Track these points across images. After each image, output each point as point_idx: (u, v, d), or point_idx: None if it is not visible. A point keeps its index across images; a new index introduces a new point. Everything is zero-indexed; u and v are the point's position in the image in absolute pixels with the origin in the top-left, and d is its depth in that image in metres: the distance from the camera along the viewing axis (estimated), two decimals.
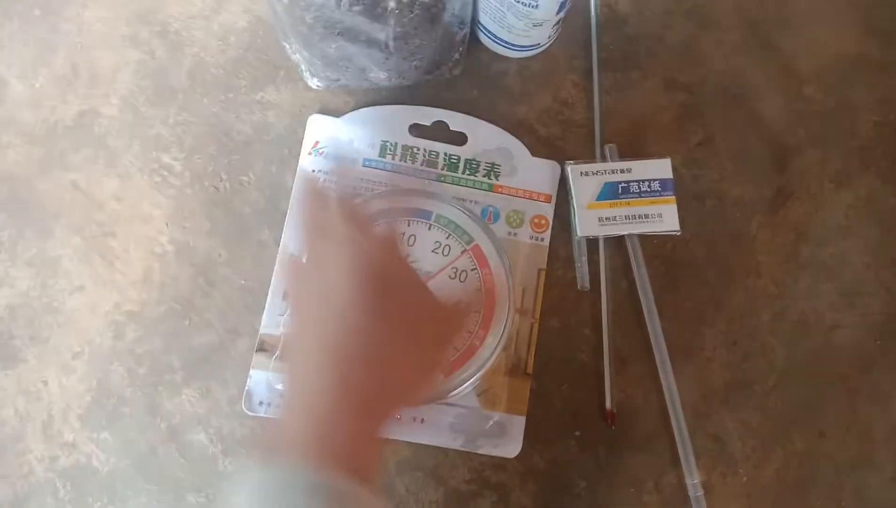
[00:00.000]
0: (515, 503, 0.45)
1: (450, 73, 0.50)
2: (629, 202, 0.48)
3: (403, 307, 0.36)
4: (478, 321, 0.45)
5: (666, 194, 0.48)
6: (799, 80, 0.53)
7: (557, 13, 0.46)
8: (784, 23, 0.54)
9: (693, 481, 0.45)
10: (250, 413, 0.44)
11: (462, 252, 0.46)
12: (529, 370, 0.46)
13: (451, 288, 0.45)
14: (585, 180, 0.48)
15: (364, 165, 0.48)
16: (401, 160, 0.49)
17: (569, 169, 0.48)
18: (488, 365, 0.45)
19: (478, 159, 0.49)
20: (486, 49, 0.51)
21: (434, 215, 0.47)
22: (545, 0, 0.44)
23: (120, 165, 0.48)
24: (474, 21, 0.49)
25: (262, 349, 0.45)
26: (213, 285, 0.46)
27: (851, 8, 0.54)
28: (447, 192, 0.48)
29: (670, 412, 0.46)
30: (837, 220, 0.51)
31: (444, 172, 0.49)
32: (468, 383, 0.44)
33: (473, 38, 0.51)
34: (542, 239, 0.48)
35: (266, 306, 0.45)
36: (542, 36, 0.49)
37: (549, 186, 0.49)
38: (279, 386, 0.44)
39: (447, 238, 0.46)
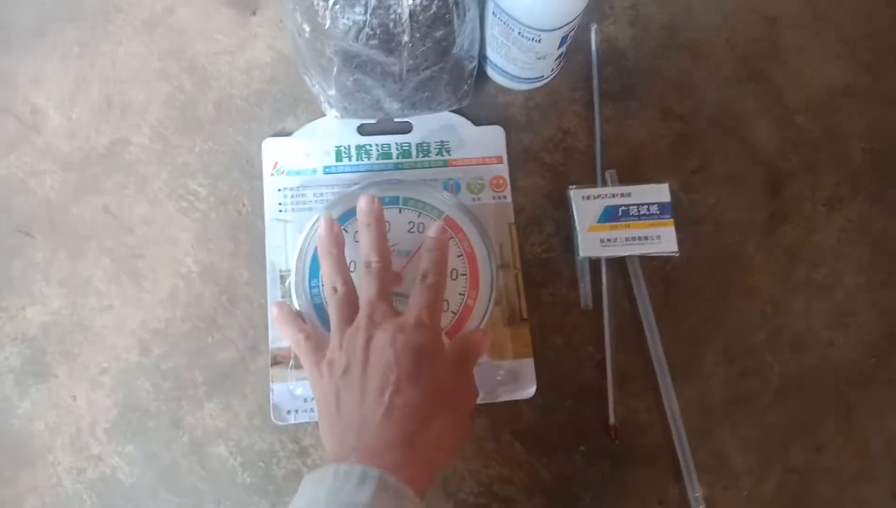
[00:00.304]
0: None
1: (459, 104, 0.53)
2: (629, 225, 0.51)
3: (445, 385, 0.41)
4: (466, 284, 0.48)
5: (664, 216, 0.51)
6: (789, 109, 0.56)
7: (559, 47, 0.49)
8: (774, 56, 0.57)
9: (695, 494, 0.47)
10: (280, 423, 0.46)
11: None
12: (525, 316, 0.49)
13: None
14: (587, 204, 0.51)
15: (325, 173, 0.51)
16: (357, 160, 0.52)
17: (571, 193, 0.51)
18: (486, 320, 0.48)
19: (427, 141, 0.53)
20: (494, 82, 0.54)
21: (401, 198, 0.50)
22: (547, 34, 0.47)
23: (149, 190, 0.50)
24: (482, 55, 0.52)
25: (276, 362, 0.47)
26: (235, 303, 0.49)
27: (838, 42, 0.58)
28: (408, 176, 0.51)
29: (672, 427, 0.48)
30: (830, 242, 0.53)
31: (400, 160, 0.52)
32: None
33: (481, 72, 0.54)
34: (504, 197, 0.52)
35: (270, 322, 0.48)
36: (545, 69, 0.52)
37: (497, 149, 0.53)
38: (298, 391, 0.47)
39: (418, 217, 0.50)
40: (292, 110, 0.53)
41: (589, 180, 0.53)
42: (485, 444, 0.48)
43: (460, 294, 0.48)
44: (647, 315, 0.50)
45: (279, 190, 0.51)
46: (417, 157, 0.52)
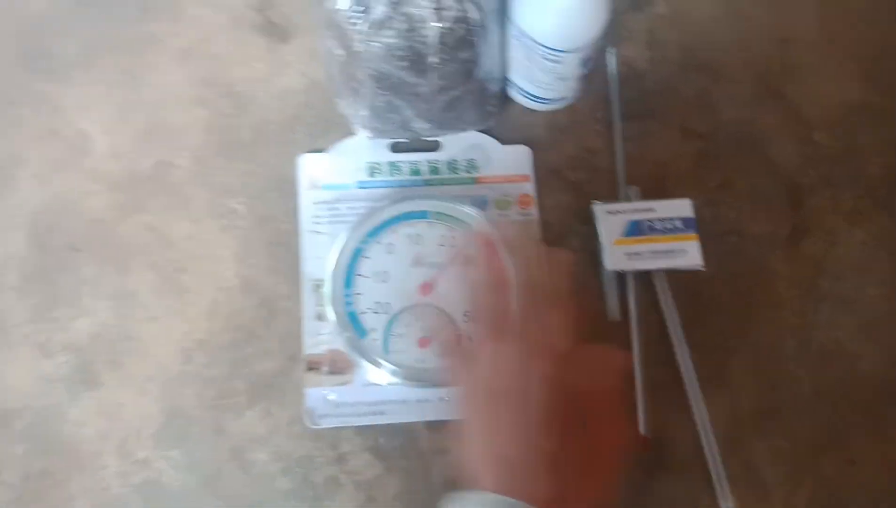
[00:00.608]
0: None
1: (485, 123, 0.55)
2: (654, 239, 0.52)
3: (608, 430, 0.40)
4: None
5: (688, 231, 0.52)
6: (808, 126, 0.57)
7: (580, 68, 0.51)
8: (790, 75, 0.59)
9: (727, 505, 0.47)
10: (314, 427, 0.48)
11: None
12: None
13: None
14: (611, 219, 0.52)
15: (359, 187, 0.53)
16: (390, 176, 0.54)
17: (595, 208, 0.53)
18: None
19: (456, 159, 0.55)
20: (518, 104, 0.57)
21: (430, 213, 0.52)
22: (567, 55, 0.49)
23: (191, 209, 0.53)
24: (506, 78, 0.55)
25: (310, 368, 0.49)
26: (274, 316, 0.50)
27: (853, 60, 0.59)
28: (438, 192, 0.53)
29: (703, 438, 0.49)
30: (853, 255, 0.54)
31: (430, 176, 0.54)
32: None
33: (506, 96, 0.56)
34: (530, 214, 0.54)
35: (304, 329, 0.50)
36: (567, 90, 0.54)
37: (524, 168, 0.55)
38: (331, 397, 0.48)
39: (449, 231, 0.51)
40: (325, 133, 0.55)
41: (611, 197, 0.54)
42: None
43: None
44: (674, 327, 0.51)
45: (315, 203, 0.53)
46: (447, 174, 0.54)
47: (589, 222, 0.53)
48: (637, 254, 0.52)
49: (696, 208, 0.53)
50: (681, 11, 0.60)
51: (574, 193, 0.55)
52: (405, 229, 0.51)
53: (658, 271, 0.52)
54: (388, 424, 0.48)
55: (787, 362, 0.51)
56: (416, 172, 0.54)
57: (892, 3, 0.62)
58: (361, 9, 0.44)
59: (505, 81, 0.55)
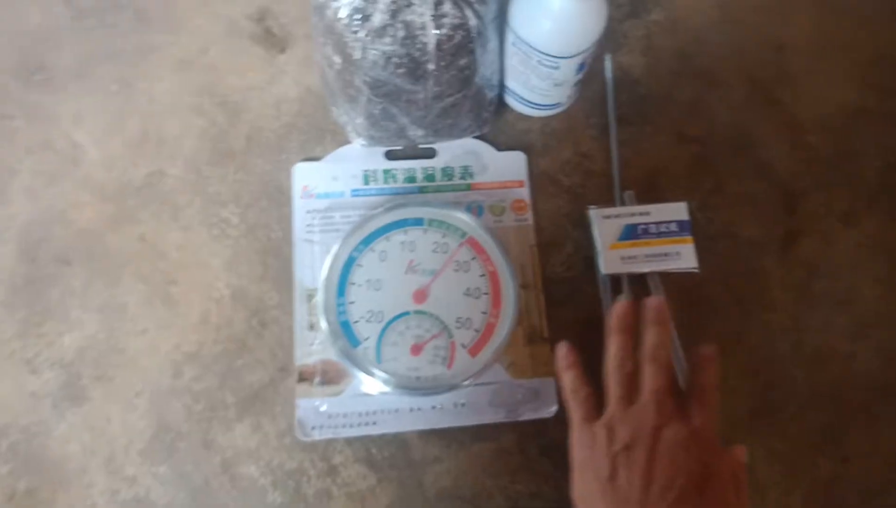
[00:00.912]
0: None
1: (479, 130, 0.55)
2: (649, 242, 0.52)
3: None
4: (489, 302, 0.50)
5: (683, 234, 0.52)
6: (802, 130, 0.57)
7: (577, 73, 0.51)
8: (784, 79, 0.58)
9: None
10: (305, 439, 0.47)
11: (459, 246, 0.51)
12: (545, 335, 0.50)
13: None
14: (607, 223, 0.52)
15: (353, 196, 0.53)
16: (384, 183, 0.54)
17: (591, 213, 0.52)
18: (506, 337, 0.49)
19: (451, 166, 0.54)
20: (513, 110, 0.56)
21: (425, 220, 0.51)
22: (565, 61, 0.49)
23: (183, 219, 0.52)
24: (502, 85, 0.55)
25: (302, 379, 0.48)
26: (266, 326, 0.50)
27: (846, 65, 0.59)
28: (432, 199, 0.53)
29: None
30: (847, 256, 0.54)
31: (425, 183, 0.54)
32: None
33: (501, 102, 0.56)
34: (526, 219, 0.53)
35: (296, 339, 0.49)
36: (562, 95, 0.54)
37: (518, 174, 0.55)
38: (323, 408, 0.48)
39: (443, 237, 0.51)
40: (319, 141, 0.55)
41: (607, 202, 0.54)
42: (511, 459, 0.48)
43: (483, 313, 0.49)
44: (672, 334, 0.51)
45: (308, 212, 0.52)
46: (442, 181, 0.54)
47: (584, 226, 0.53)
48: (632, 258, 0.51)
49: (691, 212, 0.53)
50: (677, 18, 0.60)
51: (569, 197, 0.54)
52: (399, 237, 0.51)
53: (653, 274, 0.52)
54: (381, 434, 0.48)
55: (782, 363, 0.51)
56: (411, 179, 0.54)
57: (887, 7, 0.62)
58: (360, 17, 0.44)
59: (501, 87, 0.55)
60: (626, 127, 0.56)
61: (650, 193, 0.54)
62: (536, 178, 0.55)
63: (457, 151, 0.55)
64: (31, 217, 0.52)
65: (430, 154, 0.55)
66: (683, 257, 0.52)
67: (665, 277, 0.52)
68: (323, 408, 0.48)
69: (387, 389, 0.48)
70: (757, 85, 0.58)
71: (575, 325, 0.51)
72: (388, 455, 0.48)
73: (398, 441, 0.48)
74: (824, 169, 0.56)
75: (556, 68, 0.49)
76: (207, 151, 0.54)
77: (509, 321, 0.49)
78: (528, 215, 0.54)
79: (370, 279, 0.50)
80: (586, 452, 0.43)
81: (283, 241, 0.52)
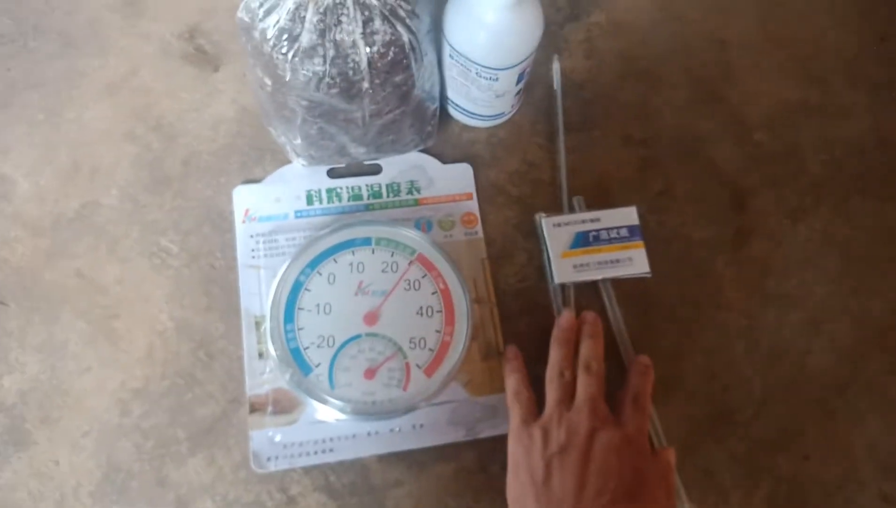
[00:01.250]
0: None
1: (424, 144, 0.54)
2: (600, 249, 0.51)
3: None
4: (442, 320, 0.49)
5: (634, 239, 0.52)
6: (748, 127, 0.57)
7: (517, 84, 0.51)
8: (728, 77, 0.58)
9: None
10: (261, 471, 0.46)
11: (409, 264, 0.50)
12: (501, 349, 0.50)
13: None
14: (558, 231, 0.51)
15: (297, 217, 0.52)
16: (328, 203, 0.53)
17: (542, 221, 0.52)
18: (462, 355, 0.48)
19: (396, 182, 0.53)
20: (457, 122, 0.56)
21: (373, 239, 0.50)
22: (504, 73, 0.48)
23: (121, 250, 0.51)
24: (443, 96, 0.54)
25: (254, 409, 0.47)
26: (213, 357, 0.49)
27: (789, 59, 0.60)
28: (379, 217, 0.52)
29: (655, 444, 0.48)
30: (798, 253, 0.54)
31: (371, 201, 0.53)
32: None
33: (444, 112, 0.55)
34: (476, 233, 0.53)
35: (245, 368, 0.48)
36: (505, 105, 0.53)
37: (466, 186, 0.54)
38: (277, 438, 0.46)
39: (392, 256, 0.50)
40: (259, 161, 0.54)
41: (556, 209, 0.53)
42: (473, 478, 0.47)
43: (437, 331, 0.48)
44: (621, 336, 0.51)
45: (251, 236, 0.51)
46: (388, 197, 0.53)
47: (534, 236, 0.53)
48: (585, 265, 0.51)
49: (641, 216, 0.53)
50: (618, 19, 0.60)
51: (518, 207, 0.54)
52: (347, 258, 0.50)
53: (604, 280, 0.51)
54: (339, 461, 0.47)
55: (738, 363, 0.51)
56: (356, 197, 0.53)
57: (826, 2, 0.62)
58: (288, 37, 0.43)
59: (443, 99, 0.54)
60: (572, 133, 0.56)
61: (599, 198, 0.54)
62: (485, 189, 0.54)
63: (402, 166, 0.54)
64: None
65: (375, 170, 0.54)
66: (635, 262, 0.51)
67: (618, 282, 0.52)
68: (277, 438, 0.46)
69: (342, 416, 0.47)
70: (701, 84, 0.58)
71: (531, 336, 0.50)
72: (348, 481, 0.47)
73: (357, 467, 0.47)
74: (771, 166, 0.56)
75: (496, 80, 0.49)
76: (143, 178, 0.53)
77: (464, 338, 0.49)
78: (478, 228, 0.53)
79: (319, 303, 0.48)
80: (522, 453, 0.43)
81: (226, 268, 0.50)
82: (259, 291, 0.49)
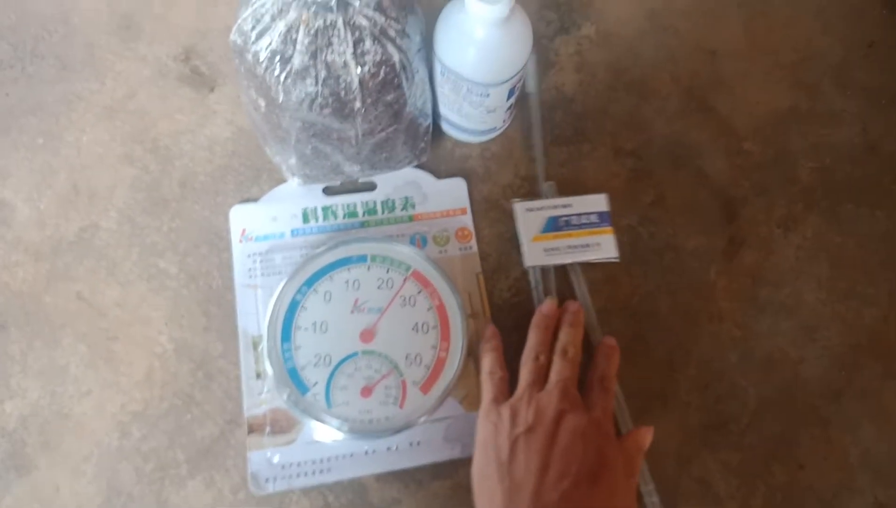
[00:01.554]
0: None
1: (417, 160, 0.54)
2: (570, 233, 0.52)
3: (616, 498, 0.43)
4: (438, 336, 0.49)
5: (603, 225, 0.53)
6: (737, 136, 0.58)
7: (508, 99, 0.51)
8: (717, 86, 0.59)
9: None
10: (260, 493, 0.46)
11: (404, 280, 0.51)
12: None
13: None
14: (530, 216, 0.53)
15: (293, 236, 0.52)
16: (324, 221, 0.53)
17: (515, 206, 0.53)
18: (458, 370, 0.49)
19: (391, 198, 0.54)
20: (450, 137, 0.56)
21: (369, 256, 0.51)
22: (495, 88, 0.49)
23: (120, 273, 0.51)
24: (436, 112, 0.54)
25: (252, 430, 0.47)
26: (212, 378, 0.49)
27: (777, 67, 0.60)
28: (374, 233, 0.53)
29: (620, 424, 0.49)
30: (789, 261, 0.54)
31: (366, 218, 0.53)
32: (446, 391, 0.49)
33: (437, 129, 0.55)
34: (471, 247, 0.53)
35: (243, 389, 0.48)
36: (497, 120, 0.53)
37: (460, 201, 0.54)
38: (276, 459, 0.47)
39: (387, 273, 0.51)
40: (256, 180, 0.54)
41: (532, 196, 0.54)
42: (470, 495, 0.47)
43: (432, 347, 0.49)
44: (590, 320, 0.51)
45: (248, 256, 0.52)
46: (383, 214, 0.54)
47: (510, 218, 0.54)
48: (555, 249, 0.52)
49: (633, 227, 0.53)
50: (608, 31, 0.60)
51: (512, 222, 0.54)
52: (342, 275, 0.50)
53: (573, 265, 0.52)
54: (337, 480, 0.47)
55: (732, 373, 0.52)
56: (351, 214, 0.54)
57: (814, 8, 0.62)
58: (280, 59, 0.43)
59: (436, 115, 0.54)
60: (563, 145, 0.56)
61: None
62: (479, 204, 0.54)
63: (397, 182, 0.54)
64: None
65: (370, 187, 0.54)
66: (604, 247, 0.52)
67: (611, 293, 0.52)
68: (275, 459, 0.47)
69: (340, 435, 0.47)
70: (691, 93, 0.59)
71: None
72: (346, 501, 0.47)
73: (355, 486, 0.48)
74: (761, 174, 0.57)
75: (487, 96, 0.49)
76: (141, 200, 0.53)
77: (459, 354, 0.49)
78: (473, 243, 0.53)
79: (316, 322, 0.49)
80: (490, 431, 0.44)
81: (224, 288, 0.51)
82: (256, 310, 0.50)
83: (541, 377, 0.46)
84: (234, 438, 0.48)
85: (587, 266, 0.53)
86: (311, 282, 0.50)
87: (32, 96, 0.56)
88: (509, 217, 0.54)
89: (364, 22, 0.43)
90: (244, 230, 0.52)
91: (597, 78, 0.59)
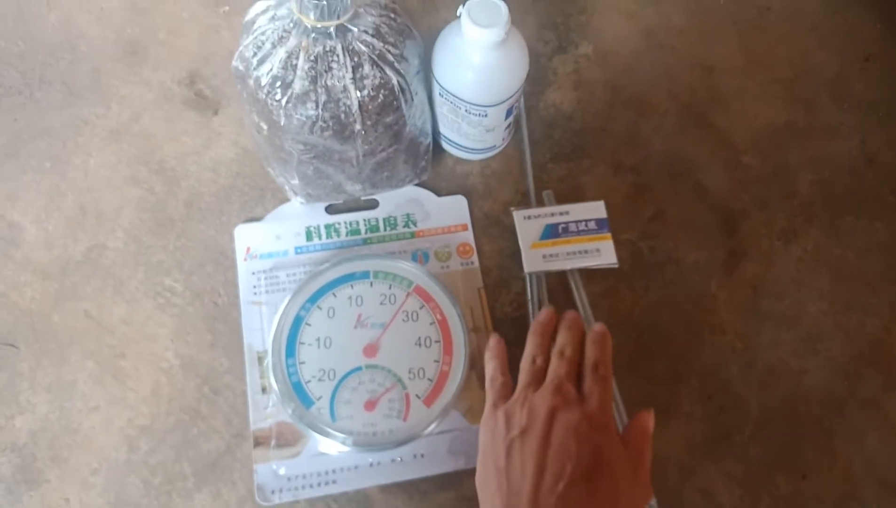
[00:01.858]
0: None
1: (418, 179, 0.55)
2: (569, 240, 0.53)
3: (620, 493, 0.42)
4: (440, 350, 0.50)
5: (602, 231, 0.53)
6: (736, 151, 0.58)
7: (506, 118, 0.52)
8: (715, 102, 0.60)
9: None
10: (266, 504, 0.47)
11: (407, 296, 0.51)
12: None
13: None
14: (528, 223, 0.53)
15: (297, 253, 0.53)
16: (327, 238, 0.54)
17: (514, 214, 0.54)
18: (461, 384, 0.49)
19: (393, 215, 0.55)
20: (450, 155, 0.57)
21: (371, 272, 0.51)
22: (492, 109, 0.50)
23: (126, 291, 0.52)
24: (436, 131, 0.55)
25: (258, 443, 0.48)
26: (218, 393, 0.50)
27: (774, 82, 0.61)
28: (377, 250, 0.54)
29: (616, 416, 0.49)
30: (790, 273, 0.55)
31: (369, 235, 0.54)
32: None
33: (438, 147, 0.56)
34: (472, 263, 0.54)
35: (249, 403, 0.49)
36: (496, 139, 0.54)
37: (461, 218, 0.55)
38: (282, 471, 0.47)
39: (390, 288, 0.51)
40: (260, 200, 0.55)
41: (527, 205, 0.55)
42: (474, 506, 0.48)
43: (435, 361, 0.50)
44: (588, 321, 0.52)
45: (253, 274, 0.52)
46: (385, 231, 0.55)
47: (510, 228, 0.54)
48: (554, 256, 0.53)
49: (633, 242, 0.54)
50: (605, 49, 0.61)
51: (512, 237, 0.55)
52: (346, 292, 0.51)
53: (572, 271, 0.53)
54: (342, 492, 0.47)
55: (734, 385, 0.52)
56: (354, 232, 0.54)
57: (809, 23, 0.63)
58: (281, 84, 0.44)
59: (436, 134, 0.55)
60: (562, 162, 0.57)
61: None
62: (479, 220, 0.55)
63: (399, 200, 0.55)
64: None
65: (372, 205, 0.55)
66: (603, 253, 0.53)
67: (612, 307, 0.53)
68: (281, 471, 0.47)
69: (344, 448, 0.48)
70: (689, 109, 0.60)
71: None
72: None
73: (360, 498, 0.48)
74: (760, 188, 0.57)
75: (485, 116, 0.50)
76: (147, 220, 0.54)
77: (462, 368, 0.50)
78: (474, 258, 0.54)
79: (319, 337, 0.50)
80: (488, 437, 0.44)
81: (229, 305, 0.52)
82: (261, 326, 0.51)
83: (537, 380, 0.46)
84: (240, 451, 0.48)
85: (587, 279, 0.53)
86: (314, 298, 0.51)
87: (40, 121, 0.57)
88: (510, 233, 0.55)
89: (362, 47, 0.45)
90: (249, 249, 0.53)
91: (595, 95, 0.60)
